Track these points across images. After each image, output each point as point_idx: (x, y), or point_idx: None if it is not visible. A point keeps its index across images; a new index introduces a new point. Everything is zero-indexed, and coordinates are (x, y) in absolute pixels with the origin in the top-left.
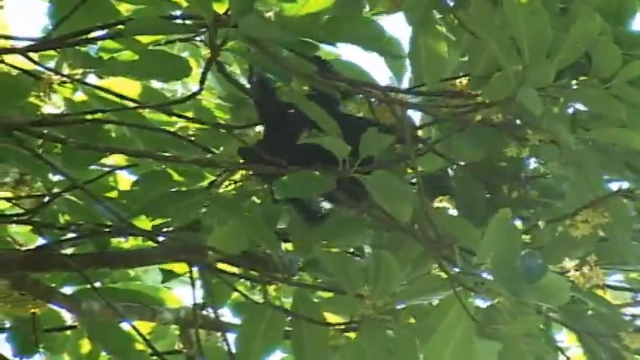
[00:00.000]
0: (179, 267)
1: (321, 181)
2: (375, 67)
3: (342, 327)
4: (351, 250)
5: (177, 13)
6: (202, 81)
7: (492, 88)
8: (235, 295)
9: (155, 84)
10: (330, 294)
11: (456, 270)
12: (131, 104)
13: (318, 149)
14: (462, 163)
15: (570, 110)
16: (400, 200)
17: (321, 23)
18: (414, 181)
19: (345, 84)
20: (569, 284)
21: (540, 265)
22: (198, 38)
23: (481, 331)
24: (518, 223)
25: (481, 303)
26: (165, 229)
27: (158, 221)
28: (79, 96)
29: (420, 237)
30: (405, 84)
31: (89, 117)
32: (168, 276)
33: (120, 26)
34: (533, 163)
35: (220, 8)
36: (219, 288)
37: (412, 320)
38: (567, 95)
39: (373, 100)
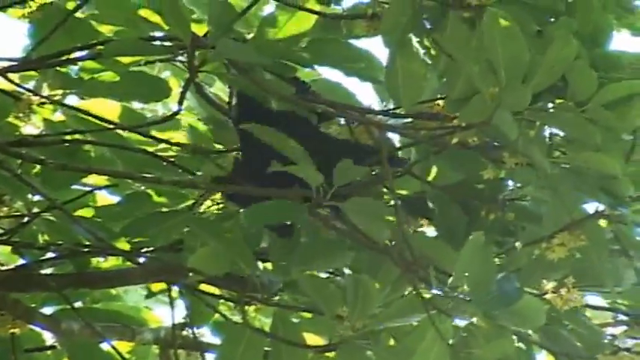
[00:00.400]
0: (159, 287)
1: (292, 210)
2: (362, 89)
3: (321, 349)
4: (330, 271)
5: (157, 34)
6: (181, 101)
7: (469, 111)
8: (216, 315)
9: (136, 105)
10: (310, 315)
11: (432, 292)
12: (111, 125)
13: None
14: (440, 186)
15: (547, 133)
16: (377, 223)
17: (300, 46)
18: (392, 203)
19: (324, 105)
20: (545, 307)
21: (516, 288)
22: (178, 59)
23: (455, 355)
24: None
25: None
26: (145, 250)
27: (138, 240)
28: (59, 117)
29: (397, 258)
30: (391, 105)
31: (68, 137)
32: (153, 293)
33: (100, 47)
34: (511, 186)
35: (201, 30)
36: (199, 308)
37: (392, 342)
38: (543, 119)
39: (352, 122)
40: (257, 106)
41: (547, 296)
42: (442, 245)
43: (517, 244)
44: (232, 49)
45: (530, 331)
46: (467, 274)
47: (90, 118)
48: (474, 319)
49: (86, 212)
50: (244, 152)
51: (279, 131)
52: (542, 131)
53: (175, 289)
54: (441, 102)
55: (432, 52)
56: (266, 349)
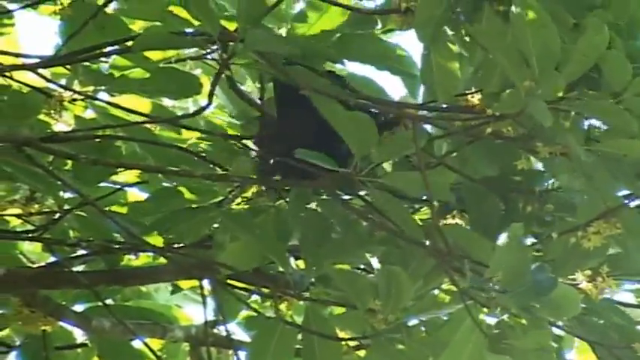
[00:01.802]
0: (190, 284)
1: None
2: (391, 84)
3: (354, 342)
4: (361, 266)
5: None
6: (210, 96)
7: (503, 102)
8: (246, 312)
9: (167, 102)
10: (342, 310)
11: (467, 284)
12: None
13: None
14: (475, 177)
15: (585, 123)
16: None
17: (331, 41)
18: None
19: (357, 99)
20: (580, 296)
21: (551, 278)
22: (209, 56)
23: (492, 346)
24: (531, 239)
25: (493, 317)
26: (176, 246)
27: (169, 237)
28: (90, 114)
29: (431, 249)
30: (420, 100)
31: (100, 133)
32: (178, 289)
33: (130, 42)
34: (547, 177)
35: (232, 26)
36: (229, 305)
37: (424, 335)
38: (578, 108)
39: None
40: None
41: (582, 286)
42: (476, 236)
43: (553, 234)
44: (262, 41)
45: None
46: (503, 265)
47: (121, 113)
48: (511, 310)
49: (118, 209)
50: (281, 137)
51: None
52: (579, 121)
53: (206, 287)
54: (476, 95)
55: (467, 44)
56: (297, 347)
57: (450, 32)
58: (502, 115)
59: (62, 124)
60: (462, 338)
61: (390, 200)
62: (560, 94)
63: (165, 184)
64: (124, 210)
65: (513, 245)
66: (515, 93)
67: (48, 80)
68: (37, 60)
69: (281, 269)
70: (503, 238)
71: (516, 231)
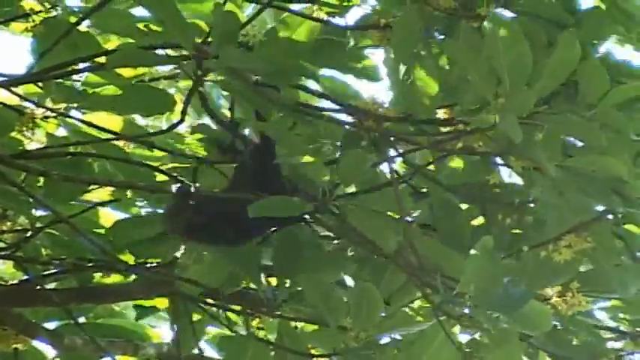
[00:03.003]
0: (161, 302)
1: (297, 205)
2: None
3: (327, 359)
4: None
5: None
6: (183, 113)
7: (475, 117)
8: (215, 331)
9: (140, 121)
10: (314, 327)
11: (439, 299)
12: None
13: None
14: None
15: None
16: (384, 229)
17: (305, 49)
18: None
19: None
20: (551, 311)
21: (523, 292)
22: (182, 73)
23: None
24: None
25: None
26: (147, 265)
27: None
28: (62, 132)
29: (403, 265)
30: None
31: (71, 150)
32: (143, 313)
33: (103, 59)
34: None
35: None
36: (199, 323)
37: (396, 352)
38: (549, 122)
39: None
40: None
41: (552, 301)
42: (448, 251)
43: (524, 247)
44: (236, 58)
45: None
46: (474, 278)
47: (93, 131)
48: (482, 325)
49: (90, 227)
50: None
51: None
52: (556, 135)
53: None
54: (450, 111)
55: (441, 62)
56: None
57: (422, 52)
58: (473, 130)
59: (34, 143)
60: (434, 354)
61: (364, 217)
62: (534, 109)
63: (137, 205)
64: (97, 229)
65: (484, 258)
66: (487, 108)
67: (20, 97)
68: (9, 77)
69: (253, 286)
70: (473, 253)
71: (486, 244)
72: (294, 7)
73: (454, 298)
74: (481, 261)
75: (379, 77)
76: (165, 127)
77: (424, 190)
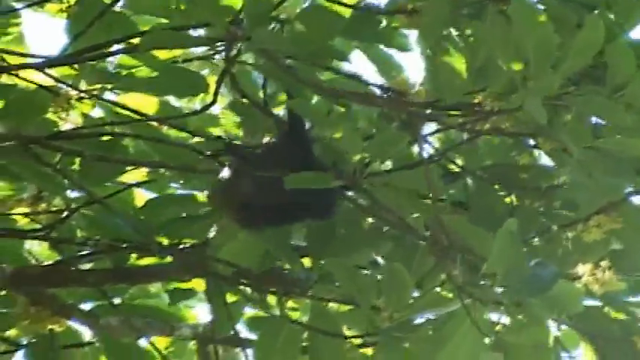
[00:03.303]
0: (197, 283)
1: (330, 179)
2: None
3: (360, 340)
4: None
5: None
6: (216, 94)
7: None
8: (251, 312)
9: (174, 102)
10: (347, 308)
11: (466, 280)
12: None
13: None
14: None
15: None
16: (413, 206)
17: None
18: None
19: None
20: (582, 291)
21: (551, 273)
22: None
23: (491, 342)
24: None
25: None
26: (181, 246)
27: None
28: (97, 113)
29: (431, 243)
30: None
31: (107, 130)
32: (177, 296)
33: (137, 39)
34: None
35: None
36: (233, 304)
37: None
38: (575, 104)
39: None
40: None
41: (583, 280)
42: (479, 230)
43: (553, 226)
44: (268, 39)
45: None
46: (500, 260)
47: (127, 112)
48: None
49: (125, 208)
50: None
51: None
52: (583, 116)
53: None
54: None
55: (470, 45)
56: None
57: (454, 33)
58: (499, 111)
59: (69, 123)
60: (461, 335)
61: (395, 195)
62: (561, 90)
63: (172, 186)
64: (130, 210)
65: (510, 241)
66: (514, 89)
67: (55, 79)
68: (43, 59)
69: (287, 268)
70: (499, 234)
71: (510, 226)
72: None
73: (479, 279)
74: (506, 243)
75: (410, 47)
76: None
77: (457, 170)
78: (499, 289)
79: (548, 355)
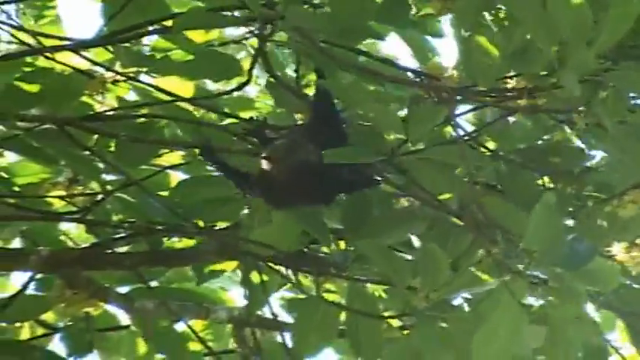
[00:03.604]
0: (230, 265)
1: (368, 154)
2: None
3: (397, 319)
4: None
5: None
6: (250, 73)
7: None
8: (285, 294)
9: (210, 86)
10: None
11: (502, 255)
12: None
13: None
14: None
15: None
16: (448, 184)
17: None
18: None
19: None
20: (618, 268)
21: (588, 249)
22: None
23: (531, 318)
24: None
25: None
26: (217, 228)
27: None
28: (133, 97)
29: (468, 221)
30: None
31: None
32: (205, 276)
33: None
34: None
35: None
36: (269, 285)
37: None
38: (610, 79)
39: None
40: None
41: (618, 257)
42: (513, 208)
43: (589, 202)
44: (302, 17)
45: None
46: (538, 235)
47: (162, 95)
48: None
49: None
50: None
51: None
52: (620, 93)
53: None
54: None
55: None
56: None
57: (488, 17)
58: (536, 87)
59: (104, 106)
60: (500, 312)
61: (429, 172)
62: (598, 67)
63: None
64: (165, 192)
65: (546, 214)
66: (550, 70)
67: (90, 61)
68: (78, 41)
69: (323, 249)
70: (536, 209)
71: (549, 199)
72: None
73: (518, 255)
74: (544, 217)
75: (443, 33)
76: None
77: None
78: (536, 265)
79: (592, 327)
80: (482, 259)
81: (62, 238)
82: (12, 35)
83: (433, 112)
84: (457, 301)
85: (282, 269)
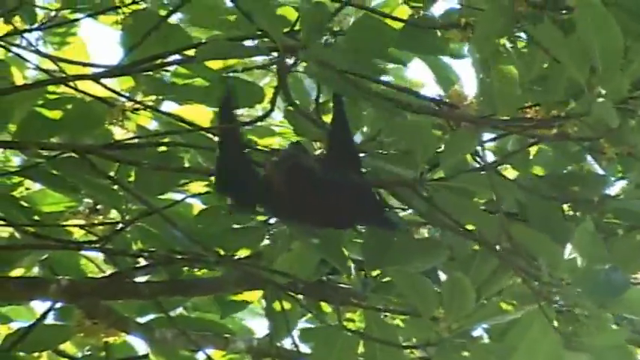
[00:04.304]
0: (250, 295)
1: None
2: None
3: (417, 350)
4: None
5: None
6: (273, 103)
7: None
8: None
9: None
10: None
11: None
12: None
13: None
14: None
15: None
16: (475, 213)
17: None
18: None
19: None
20: None
21: (623, 278)
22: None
23: (568, 344)
24: None
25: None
26: (236, 257)
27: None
28: (154, 125)
29: (498, 250)
30: None
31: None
32: (229, 309)
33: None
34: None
35: None
36: (289, 315)
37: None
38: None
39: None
40: None
41: None
42: (542, 236)
43: (619, 231)
44: (324, 50)
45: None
46: (574, 263)
47: (183, 124)
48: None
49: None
50: None
51: None
52: None
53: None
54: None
55: (525, 57)
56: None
57: (508, 45)
58: (568, 116)
59: (125, 134)
60: (534, 339)
61: (456, 201)
62: (627, 94)
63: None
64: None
65: (586, 242)
66: (581, 94)
67: (111, 90)
68: (101, 70)
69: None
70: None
71: (586, 227)
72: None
73: (553, 282)
74: (582, 244)
75: (464, 55)
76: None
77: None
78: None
79: (632, 356)
80: (506, 288)
81: (82, 267)
82: (37, 67)
83: (468, 140)
84: (477, 332)
85: (302, 299)
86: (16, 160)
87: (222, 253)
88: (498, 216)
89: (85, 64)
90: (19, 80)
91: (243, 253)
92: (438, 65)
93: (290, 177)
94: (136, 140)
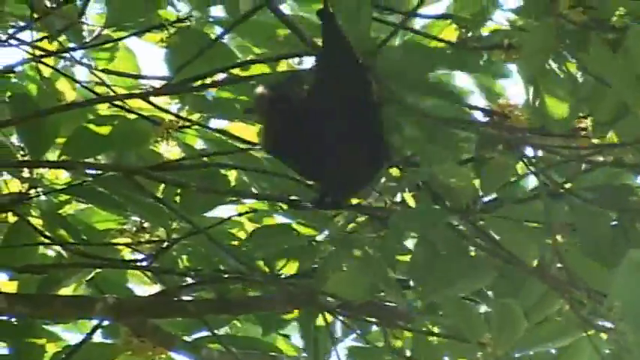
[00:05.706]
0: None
1: (442, 215)
2: None
3: None
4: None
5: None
6: None
7: (622, 129)
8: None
9: None
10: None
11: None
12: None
13: None
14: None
15: None
16: (528, 242)
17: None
18: None
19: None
20: None
21: None
22: None
23: None
24: None
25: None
26: (284, 276)
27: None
28: (200, 144)
29: (549, 278)
30: None
31: (208, 160)
32: (271, 326)
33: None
34: None
35: None
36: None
37: None
38: None
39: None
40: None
41: None
42: (592, 264)
43: None
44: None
45: None
46: (622, 292)
47: (228, 140)
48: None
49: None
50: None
51: None
52: None
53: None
54: (585, 122)
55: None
56: None
57: (554, 65)
58: (621, 143)
59: (171, 154)
60: None
61: (507, 229)
62: None
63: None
64: (233, 240)
65: (633, 272)
66: (633, 118)
67: (161, 109)
68: (151, 82)
69: (390, 299)
70: (622, 266)
71: (634, 257)
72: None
73: (601, 312)
74: (629, 274)
75: (509, 74)
76: None
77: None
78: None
79: None
80: (554, 314)
81: (128, 285)
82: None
83: (504, 167)
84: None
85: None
86: (64, 175)
87: (268, 271)
88: (552, 244)
89: (135, 77)
90: (70, 96)
91: (289, 271)
92: (484, 79)
93: (272, 112)
94: (182, 162)
